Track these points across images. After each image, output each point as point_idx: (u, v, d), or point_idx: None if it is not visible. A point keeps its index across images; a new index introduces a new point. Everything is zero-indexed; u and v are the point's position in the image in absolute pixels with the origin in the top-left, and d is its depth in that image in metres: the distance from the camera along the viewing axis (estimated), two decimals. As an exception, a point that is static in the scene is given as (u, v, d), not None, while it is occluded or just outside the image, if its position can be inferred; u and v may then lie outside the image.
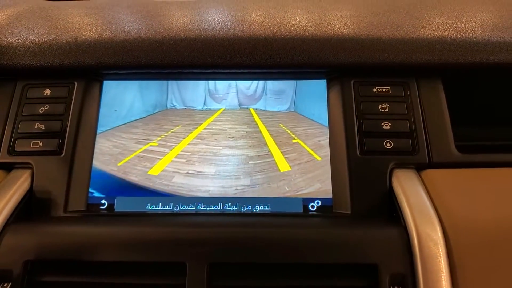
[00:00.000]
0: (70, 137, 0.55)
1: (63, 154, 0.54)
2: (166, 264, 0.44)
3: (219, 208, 0.53)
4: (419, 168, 0.52)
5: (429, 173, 0.51)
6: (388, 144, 0.52)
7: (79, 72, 0.58)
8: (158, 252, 0.44)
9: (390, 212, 0.50)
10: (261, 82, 0.58)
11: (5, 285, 0.44)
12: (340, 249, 0.43)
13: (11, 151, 0.55)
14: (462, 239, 0.44)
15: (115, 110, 0.58)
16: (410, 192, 0.48)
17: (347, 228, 0.46)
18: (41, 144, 0.54)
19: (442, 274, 0.42)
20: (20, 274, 0.44)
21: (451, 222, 0.45)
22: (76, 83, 0.57)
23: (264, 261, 0.43)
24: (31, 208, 0.52)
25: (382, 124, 0.53)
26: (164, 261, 0.44)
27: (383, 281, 0.42)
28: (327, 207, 0.52)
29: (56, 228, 0.47)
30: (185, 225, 0.47)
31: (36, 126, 0.55)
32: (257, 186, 0.54)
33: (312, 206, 0.53)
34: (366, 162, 0.52)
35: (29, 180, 0.53)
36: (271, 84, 0.58)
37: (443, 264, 0.42)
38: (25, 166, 0.54)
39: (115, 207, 0.54)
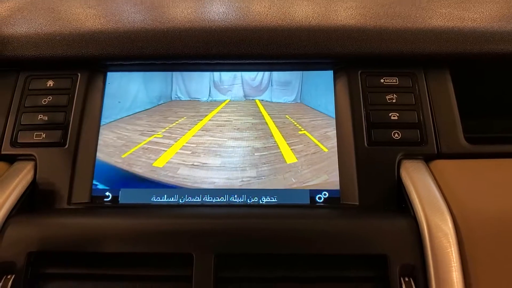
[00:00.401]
0: (74, 129, 0.54)
1: (66, 146, 0.53)
2: (173, 255, 0.43)
3: (225, 200, 0.52)
4: (427, 159, 0.51)
5: (438, 163, 0.50)
6: (396, 135, 0.52)
7: (82, 63, 0.57)
8: (164, 244, 0.43)
9: (399, 203, 0.49)
10: (266, 73, 0.58)
11: (9, 277, 0.43)
12: (349, 240, 0.43)
13: (14, 143, 0.54)
14: (473, 229, 0.43)
15: (119, 102, 0.57)
16: (419, 183, 0.48)
17: (356, 218, 0.45)
18: (44, 135, 0.54)
19: (453, 265, 0.41)
20: (23, 266, 0.43)
21: (461, 213, 0.44)
22: (79, 74, 0.57)
23: (272, 251, 0.43)
24: (34, 200, 0.51)
25: (390, 114, 0.53)
26: (171, 253, 0.43)
27: (393, 272, 0.42)
28: (334, 198, 0.52)
29: (59, 220, 0.46)
30: (191, 216, 0.46)
31: (39, 117, 0.55)
32: (263, 177, 0.53)
33: (319, 198, 0.52)
34: (374, 153, 0.51)
35: (32, 172, 0.52)
36: (277, 75, 0.58)
37: (454, 255, 0.42)
38: (28, 158, 0.53)
39: (119, 199, 0.53)
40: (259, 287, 0.43)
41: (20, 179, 0.50)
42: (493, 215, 0.45)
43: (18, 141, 0.54)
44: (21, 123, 0.55)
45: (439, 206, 0.45)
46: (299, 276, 0.43)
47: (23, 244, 0.44)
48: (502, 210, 0.45)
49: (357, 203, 0.50)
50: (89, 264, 0.44)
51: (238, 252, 0.43)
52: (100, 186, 0.54)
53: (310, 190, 0.53)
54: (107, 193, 0.53)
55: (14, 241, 0.44)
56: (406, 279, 0.42)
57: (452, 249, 0.42)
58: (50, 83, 0.57)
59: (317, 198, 0.52)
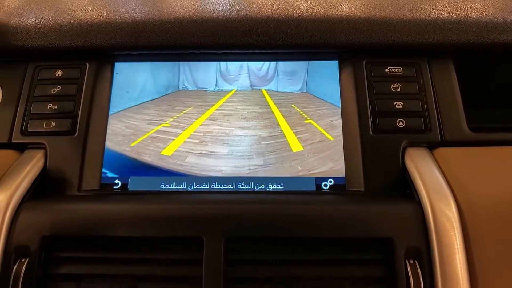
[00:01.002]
0: (83, 118, 0.55)
1: (76, 134, 0.54)
2: (183, 239, 0.44)
3: (232, 187, 0.53)
4: (431, 146, 0.52)
5: (442, 151, 0.51)
6: (401, 123, 0.53)
7: (90, 54, 0.58)
8: (175, 228, 0.44)
9: (404, 189, 0.50)
10: (272, 63, 0.58)
11: (23, 260, 0.44)
12: (355, 223, 0.44)
13: (24, 132, 0.55)
14: (476, 214, 0.45)
15: (127, 92, 0.58)
16: (424, 169, 0.49)
17: (361, 203, 0.47)
18: (54, 124, 0.55)
19: (457, 248, 0.43)
20: (37, 250, 0.44)
21: (465, 198, 0.45)
22: (87, 64, 0.57)
23: (280, 235, 0.44)
24: (45, 187, 0.52)
25: (395, 103, 0.54)
26: (182, 236, 0.44)
27: (398, 255, 0.43)
28: (340, 185, 0.53)
29: (71, 205, 0.47)
30: (201, 202, 0.47)
31: (48, 107, 0.55)
32: (270, 165, 0.54)
33: (325, 185, 0.53)
34: (379, 141, 0.52)
35: (42, 160, 0.53)
36: (283, 65, 0.58)
37: (457, 238, 0.43)
38: (38, 146, 0.54)
39: (128, 187, 0.54)
40: (268, 269, 0.43)
41: (31, 166, 0.51)
42: (496, 200, 0.46)
43: (28, 129, 0.55)
44: (31, 112, 0.55)
45: (443, 191, 0.46)
46: (306, 258, 0.44)
47: (37, 229, 0.45)
48: (505, 195, 0.46)
49: (363, 190, 0.51)
50: (101, 248, 0.45)
51: (247, 235, 0.44)
52: (110, 174, 0.54)
53: (316, 177, 0.54)
54: (116, 181, 0.54)
55: (27, 226, 0.45)
56: (411, 261, 0.43)
57: (456, 232, 0.43)
58: (59, 73, 0.57)
59: (323, 185, 0.53)
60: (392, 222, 0.44)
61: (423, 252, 0.43)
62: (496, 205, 0.45)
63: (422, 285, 0.42)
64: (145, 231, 0.44)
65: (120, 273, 0.44)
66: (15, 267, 0.44)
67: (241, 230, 0.44)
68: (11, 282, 0.43)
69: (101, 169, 0.54)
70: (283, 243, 0.44)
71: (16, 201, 0.47)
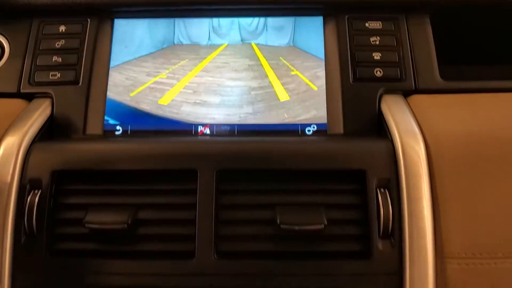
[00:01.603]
0: (86, 69, 0.59)
1: (80, 84, 0.59)
2: (179, 172, 0.49)
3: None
4: (406, 94, 0.57)
5: (415, 97, 0.56)
6: (378, 72, 0.57)
7: (91, 11, 0.62)
8: (172, 161, 0.49)
9: (379, 132, 0.56)
10: (262, 19, 0.63)
11: (36, 192, 0.49)
12: (332, 156, 0.49)
13: (31, 82, 0.59)
14: (441, 150, 0.49)
15: (126, 46, 0.63)
16: (397, 112, 0.53)
17: (339, 141, 0.52)
18: (59, 75, 0.59)
19: (422, 178, 0.48)
20: (48, 182, 0.49)
21: (432, 136, 0.50)
22: (89, 20, 0.62)
23: (265, 167, 0.49)
24: (52, 133, 0.57)
25: (373, 54, 0.58)
26: (178, 169, 0.49)
27: (370, 184, 0.48)
28: (322, 130, 0.58)
29: (78, 144, 0.52)
30: (195, 140, 0.52)
31: (53, 59, 0.60)
32: (258, 114, 0.59)
33: (308, 130, 0.58)
34: (358, 88, 0.57)
35: (49, 108, 0.58)
36: (271, 21, 0.62)
37: (423, 170, 0.48)
38: (45, 95, 0.59)
39: (129, 133, 0.59)
40: (254, 197, 0.49)
41: (40, 113, 0.56)
42: (459, 138, 0.50)
43: (35, 80, 0.59)
44: (37, 64, 0.60)
45: (413, 131, 0.51)
46: (288, 188, 0.49)
47: (47, 164, 0.50)
48: (468, 135, 0.51)
49: (342, 132, 0.56)
50: (105, 181, 0.50)
51: (235, 168, 0.49)
52: (111, 122, 0.59)
53: (300, 124, 0.58)
54: (117, 127, 0.59)
55: (39, 162, 0.50)
56: (382, 190, 0.48)
57: (422, 165, 0.48)
58: (62, 28, 0.61)
59: (306, 131, 0.58)
60: (365, 156, 0.49)
61: (392, 181, 0.48)
62: (459, 142, 0.50)
63: (391, 209, 0.47)
64: (145, 164, 0.49)
65: (122, 202, 0.49)
66: (29, 197, 0.49)
67: (231, 163, 0.49)
68: (26, 209, 0.48)
69: (104, 116, 0.59)
70: (268, 175, 0.50)
71: (27, 141, 0.52)
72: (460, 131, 0.51)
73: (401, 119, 0.52)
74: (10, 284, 0.47)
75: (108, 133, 0.59)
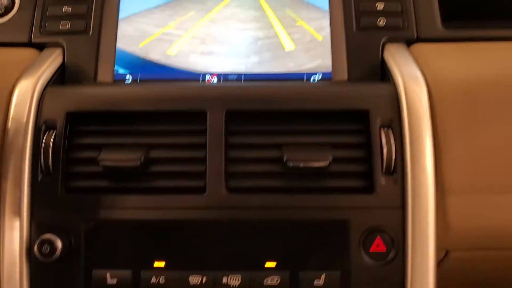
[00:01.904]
0: (96, 19, 0.60)
1: (90, 34, 0.60)
2: (189, 113, 0.51)
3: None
4: (408, 43, 0.59)
5: (417, 46, 0.58)
6: (381, 22, 0.59)
7: None
8: (182, 103, 0.51)
9: (382, 80, 0.57)
10: (267, -29, 0.64)
11: (51, 132, 0.51)
12: (337, 98, 0.51)
13: (42, 32, 0.60)
14: (443, 92, 0.51)
15: (134, -1, 0.64)
16: (399, 59, 0.55)
17: (344, 85, 0.53)
18: (69, 25, 0.60)
19: (424, 118, 0.49)
20: (62, 123, 0.51)
21: (434, 81, 0.52)
22: None
23: (272, 108, 0.51)
24: (64, 81, 0.59)
25: (376, 5, 0.59)
26: (188, 111, 0.51)
27: (373, 124, 0.50)
28: (327, 78, 0.60)
29: (90, 87, 0.54)
30: (205, 84, 0.54)
31: (63, 9, 0.61)
32: (264, 63, 0.60)
33: (314, 79, 0.60)
34: (362, 37, 0.58)
35: (61, 56, 0.59)
36: None
37: (425, 110, 0.50)
38: (56, 45, 0.60)
39: (138, 82, 0.61)
40: (262, 138, 0.51)
41: (52, 61, 0.57)
42: (462, 82, 0.52)
43: (46, 29, 0.60)
44: (48, 15, 0.61)
45: (415, 75, 0.52)
46: (295, 129, 0.51)
47: (62, 106, 0.51)
48: (470, 79, 0.52)
49: (346, 79, 0.58)
50: (118, 122, 0.52)
51: (244, 108, 0.51)
52: (121, 71, 0.61)
53: (306, 73, 0.60)
54: (127, 77, 0.61)
55: (54, 104, 0.52)
56: (385, 129, 0.50)
57: (424, 105, 0.50)
58: (71, -20, 0.63)
59: (311, 80, 0.60)
60: (369, 97, 0.51)
61: (395, 122, 0.50)
62: (460, 85, 0.52)
63: (394, 147, 0.49)
64: (156, 106, 0.51)
65: (135, 142, 0.51)
66: (45, 137, 0.51)
67: (239, 105, 0.51)
68: (42, 149, 0.50)
69: (114, 65, 0.60)
70: (275, 116, 0.51)
71: (41, 85, 0.53)
72: (461, 75, 0.53)
73: (404, 65, 0.54)
74: (29, 219, 0.50)
75: (118, 82, 0.60)
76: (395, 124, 0.50)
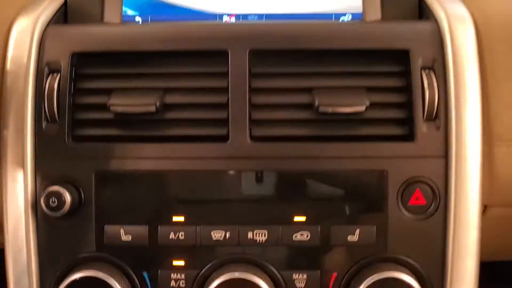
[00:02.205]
0: (102, -46, 0.54)
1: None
2: (208, 53, 0.46)
3: None
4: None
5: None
6: (420, -45, 0.53)
7: None
8: (201, 42, 0.46)
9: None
10: None
11: (55, 75, 0.46)
12: (373, 36, 0.46)
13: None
14: (492, 31, 0.46)
15: None
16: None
17: (379, 23, 0.48)
18: (72, -41, 0.54)
19: (471, 59, 0.44)
20: (67, 65, 0.46)
21: (481, 17, 0.47)
22: None
23: (301, 47, 0.45)
24: (67, 21, 0.53)
25: None
26: (207, 49, 0.46)
27: (414, 65, 0.45)
28: (357, 20, 0.54)
29: (98, 26, 0.48)
30: (224, 22, 0.48)
31: None
32: (287, 2, 0.54)
33: (343, 20, 0.54)
34: (397, -27, 0.53)
35: None
36: None
37: (471, 49, 0.45)
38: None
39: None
40: (289, 81, 0.46)
41: (53, -1, 0.51)
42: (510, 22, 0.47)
43: (46, -36, 0.54)
44: None
45: (462, 13, 0.47)
46: (327, 71, 0.46)
47: (66, 46, 0.46)
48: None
49: (379, 19, 0.52)
50: (128, 64, 0.46)
51: (270, 48, 0.45)
52: (130, 13, 0.55)
53: (334, 14, 0.54)
54: (137, 18, 0.55)
55: (57, 43, 0.46)
56: (427, 71, 0.45)
57: (470, 44, 0.45)
58: None
59: (341, 20, 0.54)
60: (409, 35, 0.46)
61: (438, 63, 0.45)
62: (511, 25, 0.47)
63: (436, 91, 0.44)
64: (172, 45, 0.46)
65: (148, 85, 0.46)
66: (48, 81, 0.45)
67: (264, 43, 0.46)
68: (46, 94, 0.45)
69: (122, 5, 0.54)
70: (304, 57, 0.46)
71: (42, 24, 0.47)
72: (509, 16, 0.47)
73: (447, 2, 0.48)
74: (34, 170, 0.45)
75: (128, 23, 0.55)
76: (438, 65, 0.45)
